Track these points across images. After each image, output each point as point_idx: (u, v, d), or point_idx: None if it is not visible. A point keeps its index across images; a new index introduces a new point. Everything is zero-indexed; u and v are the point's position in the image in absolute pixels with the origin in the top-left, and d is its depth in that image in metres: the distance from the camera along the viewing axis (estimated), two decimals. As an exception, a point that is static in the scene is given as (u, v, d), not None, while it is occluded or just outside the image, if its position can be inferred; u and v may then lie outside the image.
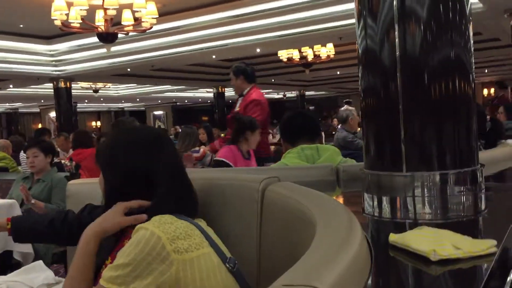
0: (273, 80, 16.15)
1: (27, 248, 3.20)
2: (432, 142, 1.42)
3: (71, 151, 6.16)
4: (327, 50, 9.73)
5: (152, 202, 1.24)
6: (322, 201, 1.26)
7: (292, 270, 0.73)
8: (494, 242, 1.02)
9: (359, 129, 5.86)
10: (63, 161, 5.73)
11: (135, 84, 15.73)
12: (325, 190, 1.68)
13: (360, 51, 1.54)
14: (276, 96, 24.30)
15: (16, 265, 3.08)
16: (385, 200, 1.46)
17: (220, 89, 15.90)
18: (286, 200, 1.44)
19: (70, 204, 2.36)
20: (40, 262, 1.63)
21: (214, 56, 9.95)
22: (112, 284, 1.06)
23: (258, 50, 9.39)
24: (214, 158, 3.97)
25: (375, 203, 1.49)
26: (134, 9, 5.93)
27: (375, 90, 1.50)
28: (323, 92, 22.92)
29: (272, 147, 7.33)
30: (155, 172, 1.26)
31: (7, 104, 19.59)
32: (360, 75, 1.56)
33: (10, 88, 13.26)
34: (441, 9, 1.42)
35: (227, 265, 1.20)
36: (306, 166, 2.17)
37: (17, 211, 3.26)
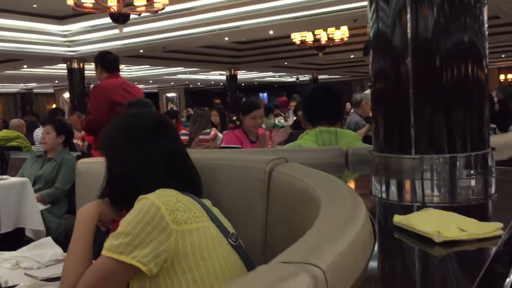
0: (285, 63, 16.04)
1: (39, 225, 3.25)
2: (442, 126, 1.40)
3: (83, 132, 6.20)
4: (341, 33, 9.63)
5: (154, 181, 1.24)
6: (328, 182, 1.25)
7: (292, 248, 0.72)
8: (500, 224, 1.00)
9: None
10: (75, 141, 5.77)
11: (148, 66, 15.73)
12: (334, 173, 1.67)
13: (371, 34, 1.52)
14: (289, 79, 24.19)
15: (28, 242, 3.13)
16: (393, 183, 1.45)
17: (232, 71, 15.84)
18: (292, 181, 1.44)
19: (79, 183, 2.38)
20: (49, 238, 1.66)
21: (226, 38, 9.90)
22: (113, 253, 1.09)
23: (271, 32, 9.31)
24: (221, 146, 3.97)
25: (383, 186, 1.48)
26: (146, -11, 5.91)
27: (386, 73, 1.49)
28: (336, 76, 22.73)
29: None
30: (155, 156, 1.27)
31: (22, 84, 19.74)
32: (371, 58, 1.54)
33: (24, 68, 13.35)
34: (455, -10, 1.39)
35: (229, 240, 1.21)
36: (315, 148, 2.15)
37: (30, 190, 3.30)
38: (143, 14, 6.75)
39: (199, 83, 24.39)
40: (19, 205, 3.14)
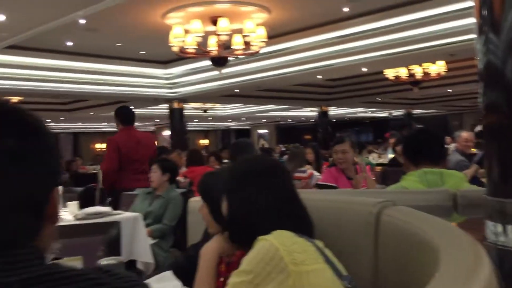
0: (378, 99, 15.81)
1: (149, 258, 3.46)
2: None
3: (183, 168, 6.54)
4: (437, 67, 9.36)
5: (270, 222, 1.31)
6: (442, 227, 1.24)
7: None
8: None
9: (473, 150, 5.52)
10: (177, 178, 6.10)
11: (241, 104, 16.29)
12: (441, 216, 1.65)
13: (481, 67, 1.50)
14: (381, 114, 23.72)
15: (139, 274, 3.35)
16: (510, 229, 1.41)
17: (323, 108, 15.91)
18: (403, 225, 1.45)
19: (191, 220, 2.54)
20: (169, 272, 1.79)
21: (319, 76, 10.03)
22: None
23: (363, 69, 9.31)
24: (316, 183, 3.99)
25: (499, 230, 1.44)
26: (244, 33, 6.22)
27: (498, 107, 1.45)
28: (431, 111, 21.92)
29: (379, 168, 7.16)
30: (271, 197, 1.35)
31: (126, 123, 21.26)
32: (481, 91, 1.51)
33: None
34: None
35: (344, 282, 1.24)
36: (422, 190, 2.13)
37: (141, 224, 3.54)
38: (239, 56, 7.08)
39: (289, 120, 24.71)
40: (132, 239, 3.38)
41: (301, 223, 1.36)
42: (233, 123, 25.28)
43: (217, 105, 15.83)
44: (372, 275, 1.48)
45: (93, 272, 0.72)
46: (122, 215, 3.47)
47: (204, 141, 26.37)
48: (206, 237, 2.03)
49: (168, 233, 3.90)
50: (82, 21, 6.18)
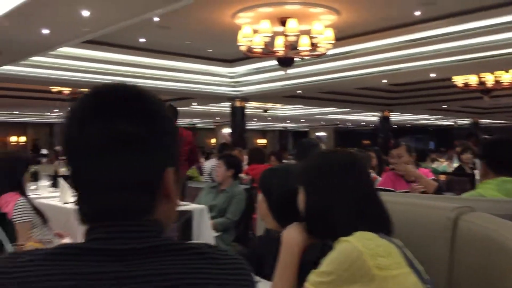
0: (444, 106, 15.32)
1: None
2: None
3: (244, 165, 6.65)
4: (510, 76, 8.95)
5: (349, 218, 1.32)
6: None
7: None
8: None
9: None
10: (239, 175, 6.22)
11: (302, 106, 16.28)
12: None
13: None
14: (445, 122, 22.94)
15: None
16: None
17: (385, 113, 15.61)
18: (482, 231, 1.43)
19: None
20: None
21: (384, 81, 9.87)
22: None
23: (432, 75, 9.06)
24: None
25: None
26: (311, 35, 6.24)
27: None
28: (500, 121, 20.96)
29: (443, 176, 6.95)
30: (350, 193, 1.35)
31: (187, 119, 21.81)
32: None
33: (193, 105, 14.79)
34: None
35: (427, 286, 1.24)
36: (501, 199, 2.08)
37: (207, 217, 3.66)
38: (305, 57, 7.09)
39: (348, 123, 24.41)
40: (199, 229, 3.50)
41: (380, 220, 1.35)
42: (291, 124, 25.29)
43: (278, 105, 15.91)
44: (447, 281, 1.48)
45: (205, 247, 0.78)
46: (192, 206, 3.61)
47: (262, 141, 26.55)
48: (268, 230, 2.08)
49: (231, 227, 4.00)
50: (156, 19, 6.43)
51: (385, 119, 15.73)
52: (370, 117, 18.68)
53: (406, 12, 6.73)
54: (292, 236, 1.42)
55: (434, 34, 7.29)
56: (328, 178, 1.39)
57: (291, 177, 1.75)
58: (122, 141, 0.75)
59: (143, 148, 0.76)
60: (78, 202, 0.78)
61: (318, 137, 25.60)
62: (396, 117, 18.37)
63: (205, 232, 3.56)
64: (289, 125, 25.59)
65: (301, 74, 9.50)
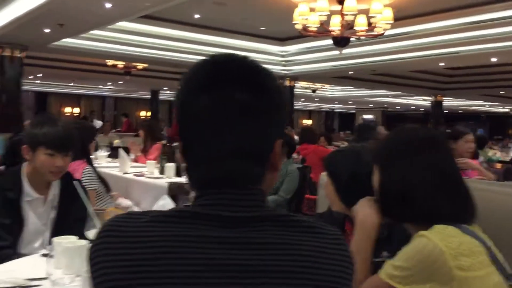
0: (501, 93, 14.70)
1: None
2: None
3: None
4: None
5: (428, 200, 1.25)
6: None
7: None
8: None
9: None
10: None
11: (351, 87, 16.02)
12: None
13: None
14: (500, 110, 22.05)
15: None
16: None
17: (438, 97, 15.14)
18: None
19: (321, 194, 2.61)
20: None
21: (442, 64, 9.54)
22: (391, 280, 1.17)
23: (493, 59, 8.68)
24: None
25: None
26: (369, 14, 6.07)
27: None
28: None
29: (499, 165, 6.73)
30: (428, 172, 1.27)
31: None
32: None
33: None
34: None
35: (510, 283, 1.18)
36: None
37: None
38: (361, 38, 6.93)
39: (398, 107, 23.86)
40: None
41: (464, 204, 1.28)
42: (339, 106, 24.98)
43: (326, 86, 15.71)
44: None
45: (310, 221, 0.79)
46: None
47: (308, 121, 26.39)
48: (331, 210, 2.07)
49: (283, 205, 4.03)
50: (213, -5, 6.45)
51: (437, 104, 15.28)
52: (421, 101, 18.18)
53: (469, -8, 6.45)
54: (369, 217, 1.39)
55: (497, 16, 6.94)
56: (408, 155, 1.30)
57: (360, 159, 1.72)
58: (240, 111, 0.76)
59: (259, 119, 0.77)
60: (189, 169, 0.80)
61: (365, 120, 25.20)
62: (448, 102, 17.79)
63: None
64: (336, 106, 25.28)
65: (355, 55, 9.30)
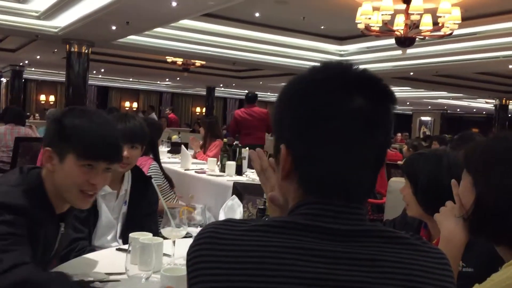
0: None
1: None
2: None
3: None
4: None
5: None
6: None
7: None
8: None
9: None
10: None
11: (409, 88, 15.57)
12: None
13: None
14: None
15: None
16: None
17: (504, 101, 14.45)
18: None
19: (389, 199, 2.56)
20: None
21: (511, 66, 9.08)
22: None
23: None
24: None
25: None
26: (437, 14, 5.87)
27: None
28: None
29: None
30: None
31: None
32: None
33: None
34: None
35: None
36: None
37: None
38: (419, 38, 6.71)
39: (458, 109, 22.99)
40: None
41: None
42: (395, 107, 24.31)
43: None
44: None
45: (413, 238, 0.76)
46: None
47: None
48: (404, 215, 2.00)
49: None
50: (275, -7, 6.43)
51: (502, 108, 14.59)
52: (484, 104, 17.42)
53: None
54: (456, 235, 1.27)
55: None
56: (503, 166, 1.11)
57: (442, 164, 1.66)
58: (366, 120, 0.75)
59: (380, 128, 0.77)
60: (302, 172, 0.78)
61: (423, 122, 24.45)
62: (513, 106, 16.96)
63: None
64: (392, 107, 24.63)
65: (417, 55, 9.03)
